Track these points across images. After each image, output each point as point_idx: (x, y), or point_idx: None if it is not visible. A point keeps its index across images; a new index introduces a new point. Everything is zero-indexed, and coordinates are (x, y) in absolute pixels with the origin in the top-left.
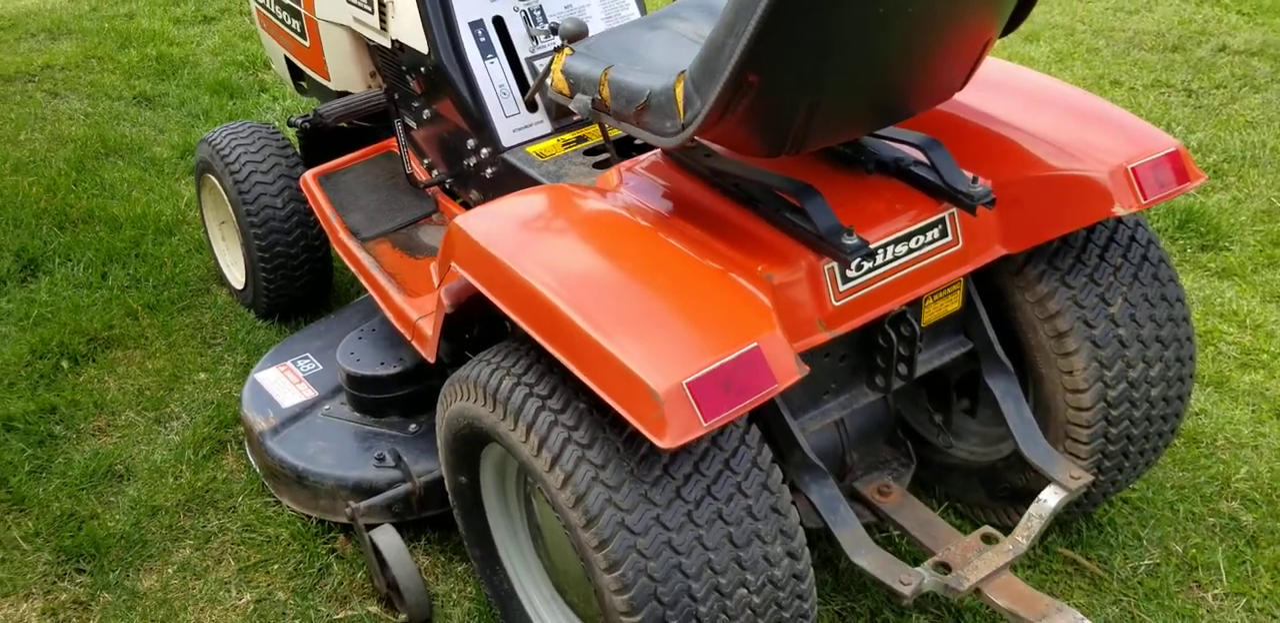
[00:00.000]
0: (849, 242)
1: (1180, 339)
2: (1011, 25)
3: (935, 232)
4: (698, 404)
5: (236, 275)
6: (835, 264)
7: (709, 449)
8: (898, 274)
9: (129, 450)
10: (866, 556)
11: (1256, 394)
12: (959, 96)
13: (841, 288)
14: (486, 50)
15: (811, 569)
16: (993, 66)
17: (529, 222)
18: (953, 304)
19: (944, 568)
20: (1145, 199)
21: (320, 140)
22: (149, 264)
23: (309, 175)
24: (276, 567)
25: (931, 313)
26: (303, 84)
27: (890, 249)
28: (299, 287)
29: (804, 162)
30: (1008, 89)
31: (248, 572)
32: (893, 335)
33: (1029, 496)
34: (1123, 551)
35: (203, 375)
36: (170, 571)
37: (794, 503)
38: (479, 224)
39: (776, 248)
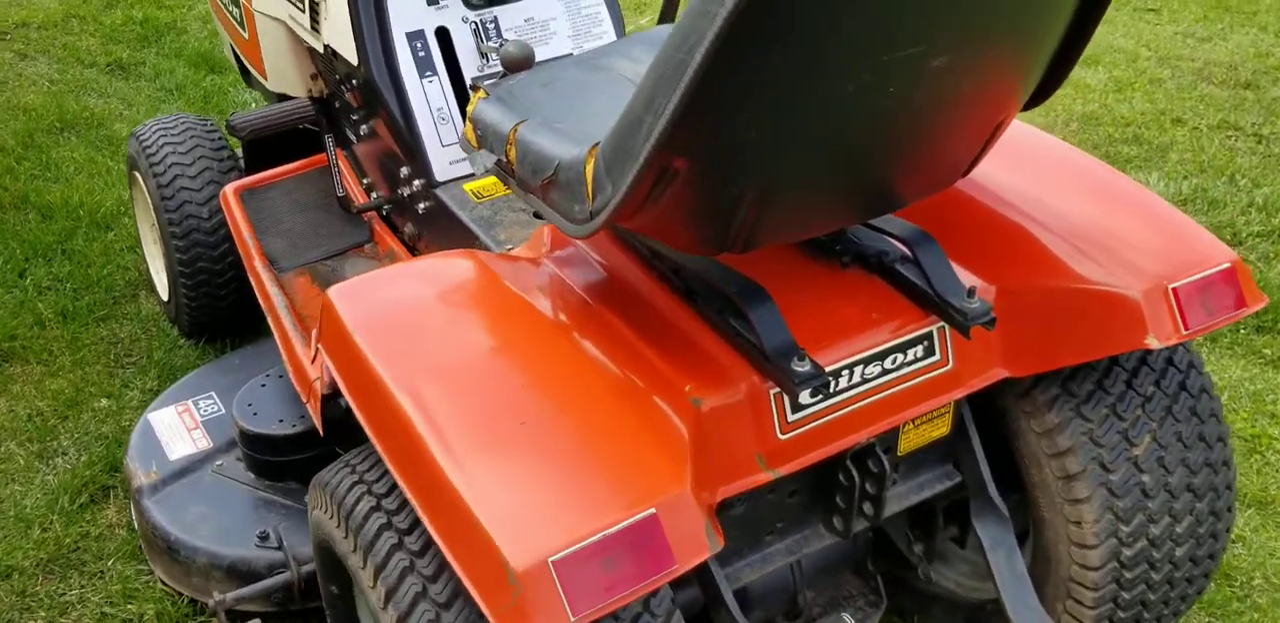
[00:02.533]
0: (799, 368)
1: (1218, 488)
2: (1037, 99)
3: (919, 349)
4: (565, 591)
5: (163, 285)
6: (822, 390)
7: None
8: (867, 401)
9: None
10: None
11: None
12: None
13: (791, 418)
14: (425, 66)
15: None
16: (1019, 135)
17: (415, 305)
18: (939, 430)
19: None
20: (1187, 329)
21: (265, 144)
22: (75, 262)
23: (229, 189)
24: None
25: (911, 440)
26: (249, 77)
27: (858, 370)
28: (224, 307)
29: (770, 250)
30: (1032, 166)
31: None
32: (855, 473)
33: None
34: None
35: (105, 402)
36: None
37: None
38: (352, 302)
39: (714, 361)
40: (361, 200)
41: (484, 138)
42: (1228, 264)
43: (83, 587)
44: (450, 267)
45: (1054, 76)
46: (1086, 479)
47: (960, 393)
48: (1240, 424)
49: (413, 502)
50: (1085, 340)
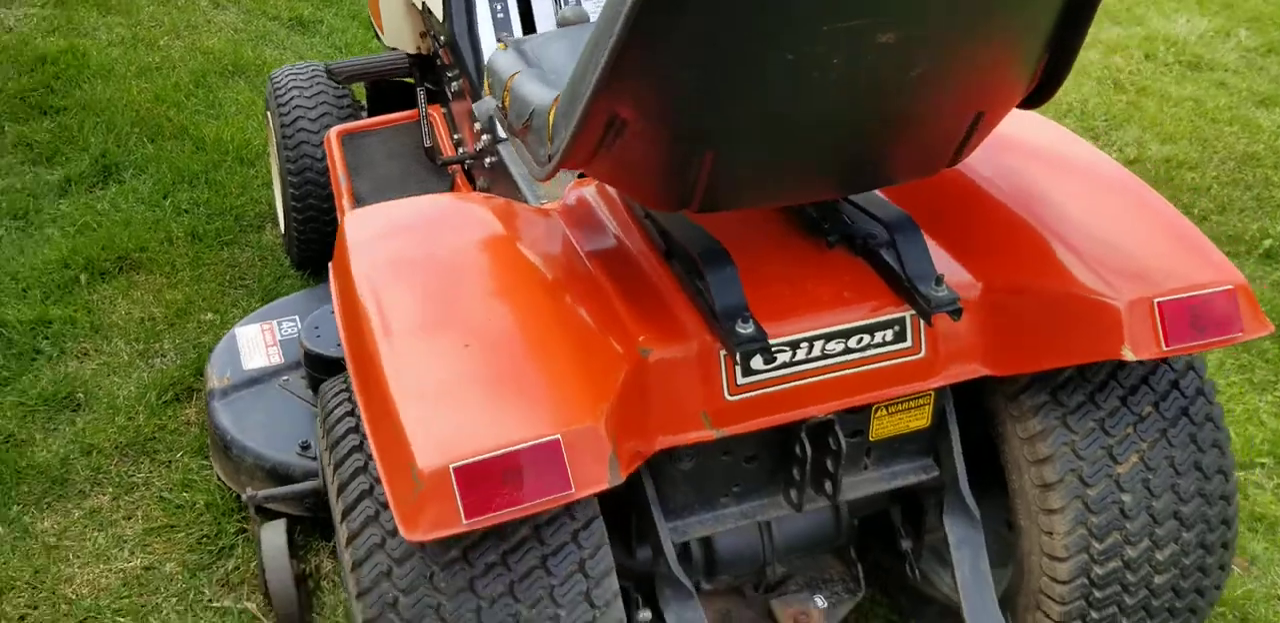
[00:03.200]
0: (742, 330)
1: (1210, 520)
2: (1038, 98)
3: (888, 333)
4: (462, 496)
5: (282, 219)
6: (762, 354)
7: (526, 540)
8: (825, 376)
9: (98, 380)
10: None
11: None
12: (990, 164)
13: (740, 381)
14: (502, 27)
15: None
16: (1052, 138)
17: (418, 234)
18: (917, 421)
19: None
20: (1167, 346)
21: (388, 94)
22: (214, 191)
23: (334, 131)
24: (180, 536)
25: (886, 426)
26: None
27: (819, 345)
28: (330, 244)
29: (758, 221)
30: (1057, 169)
31: (151, 534)
32: (808, 447)
33: None
34: None
35: (210, 315)
36: (75, 515)
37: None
38: (363, 225)
39: (674, 318)
40: (448, 154)
41: (492, 86)
42: (1229, 286)
43: (150, 472)
44: (462, 206)
45: (1052, 76)
46: (1062, 490)
47: (932, 384)
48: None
49: (357, 400)
50: (1066, 345)
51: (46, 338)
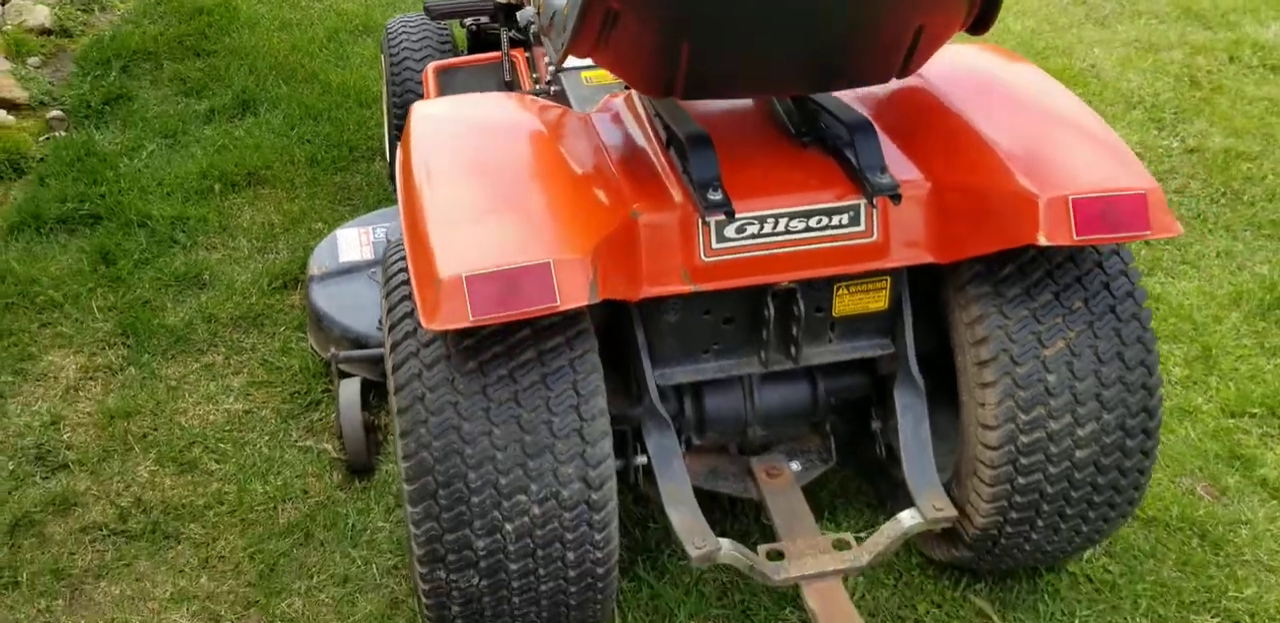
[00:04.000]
0: (712, 197)
1: (1131, 407)
2: (982, 25)
3: (844, 217)
4: (471, 298)
5: (386, 148)
6: (728, 220)
7: (531, 361)
8: (787, 249)
9: (222, 267)
10: (678, 512)
11: None
12: (952, 85)
13: (715, 246)
14: None
15: (614, 508)
16: (1015, 69)
17: (471, 118)
18: (875, 302)
19: (778, 556)
20: (1077, 236)
21: (483, 42)
22: (334, 126)
23: (431, 67)
24: (276, 390)
25: (847, 304)
26: None
27: (783, 222)
28: None
29: (747, 122)
30: (1011, 91)
31: (252, 386)
32: (771, 310)
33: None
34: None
35: (319, 225)
36: (193, 366)
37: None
38: (430, 110)
39: (665, 191)
40: (524, 88)
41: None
42: (1141, 191)
43: (256, 339)
44: (513, 102)
45: (991, 5)
46: (994, 367)
47: (883, 265)
48: None
49: (405, 236)
50: (995, 233)
51: (183, 231)
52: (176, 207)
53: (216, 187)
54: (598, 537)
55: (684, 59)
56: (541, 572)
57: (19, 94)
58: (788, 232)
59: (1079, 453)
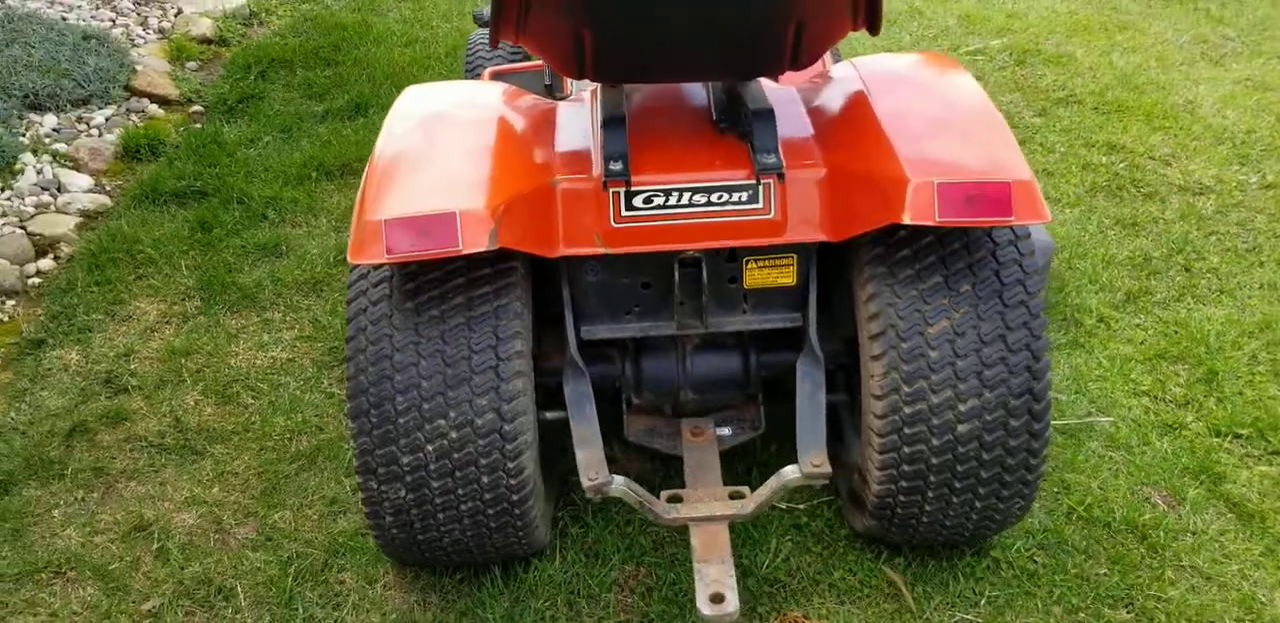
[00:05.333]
0: (613, 167)
1: (1014, 388)
2: (873, 27)
3: (743, 194)
4: (388, 239)
5: None
6: (625, 189)
7: (460, 305)
8: (690, 220)
9: (300, 241)
10: (583, 450)
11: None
12: (881, 84)
13: (624, 213)
14: None
15: (527, 441)
16: (938, 73)
17: (450, 100)
18: (784, 277)
19: (677, 499)
20: (940, 217)
21: None
22: None
23: (487, 71)
24: (319, 344)
25: (756, 278)
26: None
27: (686, 195)
28: None
29: (676, 109)
30: (926, 91)
31: (299, 340)
32: (678, 276)
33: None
34: (954, 600)
35: None
36: (254, 320)
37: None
38: (418, 90)
39: (587, 163)
40: (564, 91)
41: None
42: (1008, 180)
43: (312, 301)
44: (495, 92)
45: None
46: (882, 341)
47: (784, 240)
48: None
49: (361, 190)
50: (871, 213)
51: (274, 209)
52: (274, 188)
53: (313, 174)
54: (510, 465)
55: (588, 44)
56: (460, 492)
57: (171, 91)
58: (690, 204)
59: (961, 427)
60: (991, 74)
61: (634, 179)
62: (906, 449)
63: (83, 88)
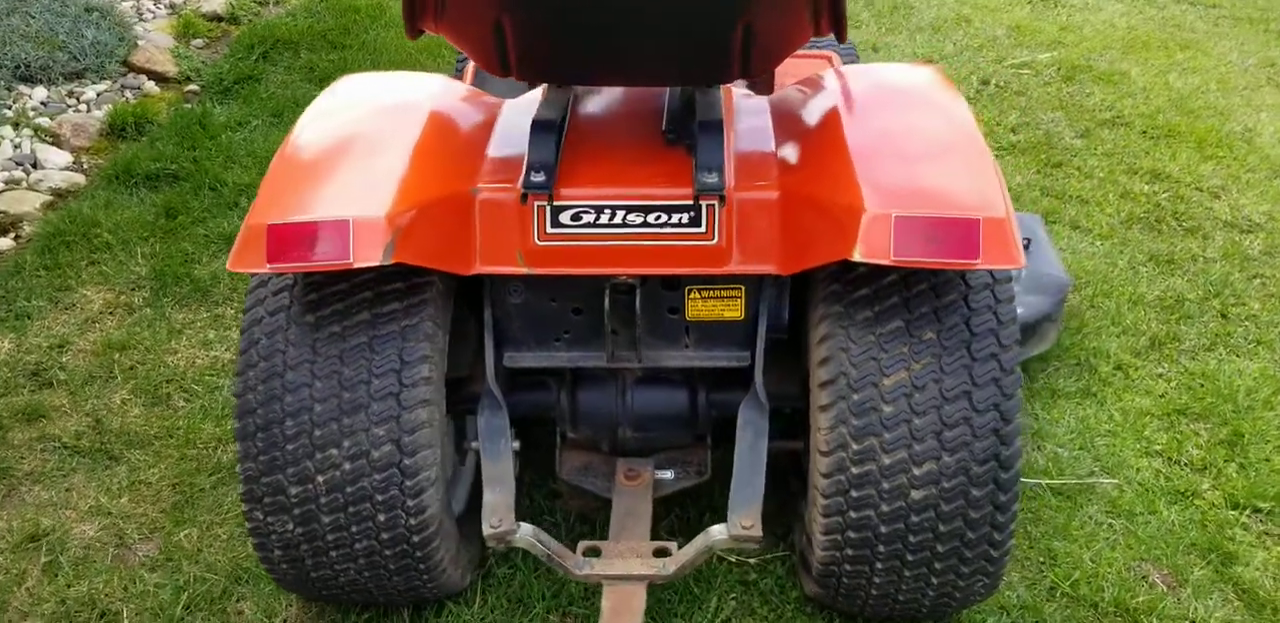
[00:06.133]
0: (534, 178)
1: (976, 452)
2: (837, 30)
3: (684, 216)
4: (269, 247)
5: None
6: (548, 203)
7: (364, 323)
8: (624, 242)
9: None
10: (492, 490)
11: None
12: (859, 99)
13: (549, 230)
14: None
15: (431, 477)
16: (924, 90)
17: (383, 92)
18: (730, 311)
19: (595, 553)
20: (895, 255)
21: None
22: None
23: (471, 64)
24: None
25: (700, 309)
26: None
27: (620, 213)
28: None
29: (625, 115)
30: (905, 110)
31: None
32: (609, 303)
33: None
34: None
35: None
36: (203, 315)
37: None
38: (352, 80)
39: (513, 171)
40: None
41: None
42: (976, 216)
43: None
44: (436, 84)
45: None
46: (831, 389)
47: (723, 270)
48: None
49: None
50: (825, 247)
51: (247, 198)
52: (251, 176)
53: None
54: (410, 503)
55: (510, 35)
56: (354, 529)
57: (170, 69)
58: (625, 224)
59: (915, 493)
60: (1035, 90)
61: (562, 192)
62: (853, 514)
63: (78, 61)
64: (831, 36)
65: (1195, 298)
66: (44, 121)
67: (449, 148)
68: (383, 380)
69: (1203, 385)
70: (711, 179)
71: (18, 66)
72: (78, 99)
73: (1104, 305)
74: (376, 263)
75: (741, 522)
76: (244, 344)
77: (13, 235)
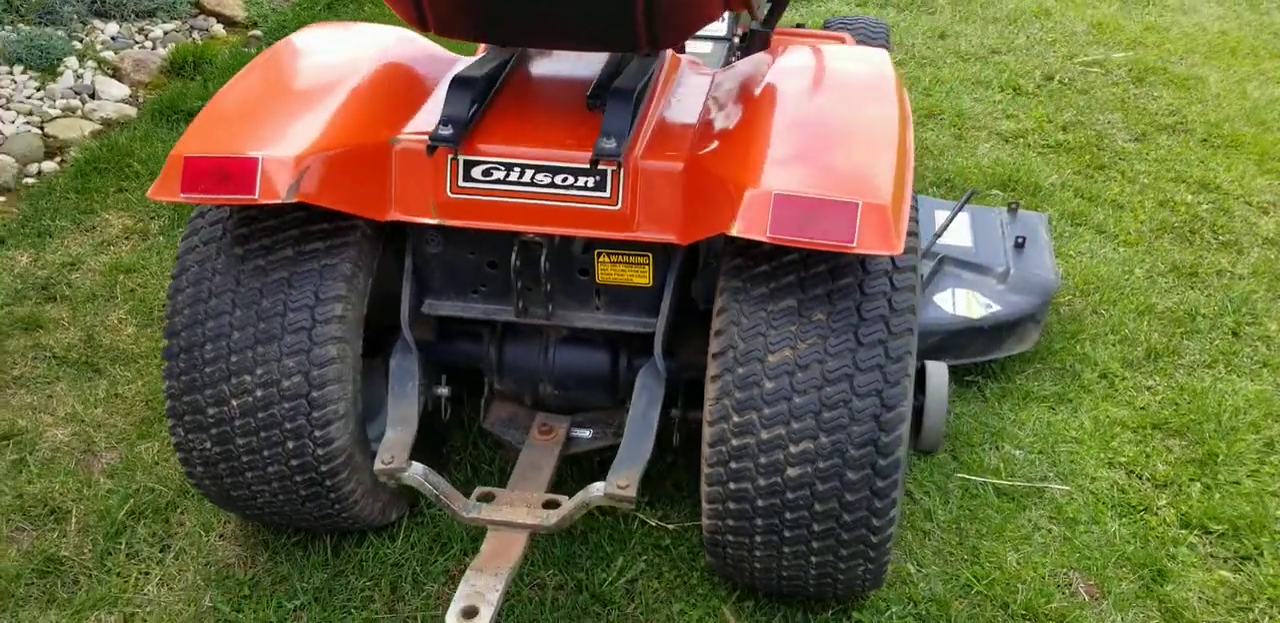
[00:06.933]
0: (442, 131)
1: (854, 436)
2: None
3: (590, 180)
4: (184, 178)
5: None
6: (462, 157)
7: (287, 259)
8: (530, 200)
9: None
10: (393, 429)
11: None
12: (793, 79)
13: (461, 183)
14: None
15: (339, 411)
16: (860, 73)
17: (338, 41)
18: (639, 277)
19: (488, 498)
20: (771, 233)
21: None
22: None
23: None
24: None
25: (609, 273)
26: None
27: (529, 173)
28: None
29: (558, 82)
30: (833, 92)
31: None
32: (516, 259)
33: None
34: None
35: None
36: None
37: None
38: (313, 30)
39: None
40: None
41: None
42: (856, 201)
43: None
44: (391, 36)
45: None
46: (720, 361)
47: (624, 235)
48: None
49: None
50: (712, 219)
51: None
52: None
53: None
54: (318, 433)
55: None
56: (266, 453)
57: (239, 13)
58: (533, 183)
59: (790, 471)
60: (1100, 89)
61: (478, 148)
62: (732, 485)
63: (151, 0)
64: (870, 16)
65: (1209, 313)
66: (109, 55)
67: (385, 98)
68: (297, 315)
69: (1189, 402)
70: (609, 145)
71: (94, 1)
72: (146, 36)
73: (1108, 313)
74: (280, 199)
75: (618, 482)
76: (176, 270)
77: (59, 159)
